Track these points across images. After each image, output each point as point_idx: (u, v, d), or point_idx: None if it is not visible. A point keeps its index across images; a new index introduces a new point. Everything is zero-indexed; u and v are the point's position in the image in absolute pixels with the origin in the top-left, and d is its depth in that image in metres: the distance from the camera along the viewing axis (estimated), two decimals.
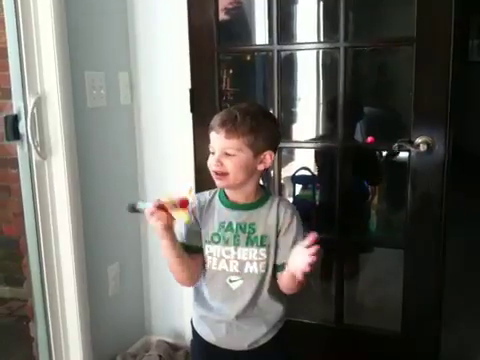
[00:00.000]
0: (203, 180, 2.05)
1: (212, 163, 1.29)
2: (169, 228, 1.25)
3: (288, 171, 2.86)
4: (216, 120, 1.30)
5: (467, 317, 2.50)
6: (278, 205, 1.35)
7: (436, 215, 1.84)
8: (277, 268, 1.34)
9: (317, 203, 2.76)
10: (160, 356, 2.09)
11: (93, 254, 1.94)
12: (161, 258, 2.19)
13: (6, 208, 2.43)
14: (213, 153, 1.30)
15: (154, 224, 1.23)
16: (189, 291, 2.15)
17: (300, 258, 1.18)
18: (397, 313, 1.98)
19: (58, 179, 1.80)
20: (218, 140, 1.28)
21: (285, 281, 1.32)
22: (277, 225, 1.33)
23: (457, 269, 2.77)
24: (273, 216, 1.33)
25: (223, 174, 1.28)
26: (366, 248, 2.42)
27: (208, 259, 1.35)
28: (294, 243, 1.30)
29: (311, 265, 1.16)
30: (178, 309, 2.22)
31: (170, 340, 2.24)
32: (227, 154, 1.27)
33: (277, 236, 1.33)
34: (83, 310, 1.89)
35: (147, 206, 1.24)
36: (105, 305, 2.05)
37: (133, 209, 1.29)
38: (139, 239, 2.24)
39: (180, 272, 1.34)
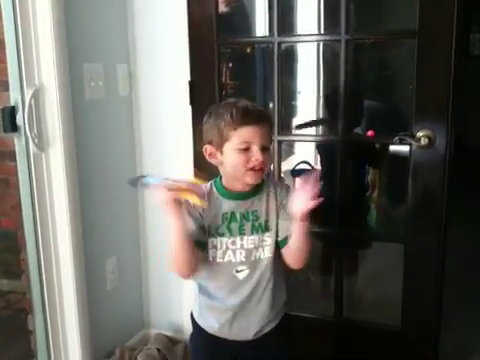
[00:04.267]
0: (201, 172, 2.05)
1: (256, 158, 1.25)
2: (180, 207, 1.21)
3: (288, 165, 2.85)
4: (248, 113, 1.26)
5: (467, 313, 2.50)
6: (275, 187, 1.37)
7: (436, 210, 1.84)
8: (280, 244, 1.34)
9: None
10: (159, 350, 2.08)
11: (91, 247, 1.94)
12: (160, 251, 2.20)
13: (4, 201, 2.42)
14: (245, 149, 1.25)
15: (167, 202, 1.18)
16: (188, 284, 2.15)
17: (299, 198, 1.21)
18: (397, 308, 1.97)
19: (56, 171, 1.79)
20: (260, 134, 1.25)
21: (292, 248, 1.31)
22: (276, 206, 1.34)
23: (457, 264, 2.77)
24: (272, 199, 1.35)
25: (262, 170, 1.28)
26: (366, 244, 2.42)
27: (211, 252, 1.33)
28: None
29: (312, 199, 1.19)
30: (177, 302, 2.22)
31: (169, 333, 2.24)
32: (264, 148, 1.27)
33: (277, 217, 1.34)
34: (81, 303, 1.89)
35: (154, 181, 1.20)
36: (103, 298, 2.04)
37: (135, 184, 1.24)
38: (137, 232, 2.23)
39: (184, 261, 1.27)
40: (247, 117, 1.25)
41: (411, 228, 1.90)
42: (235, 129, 1.25)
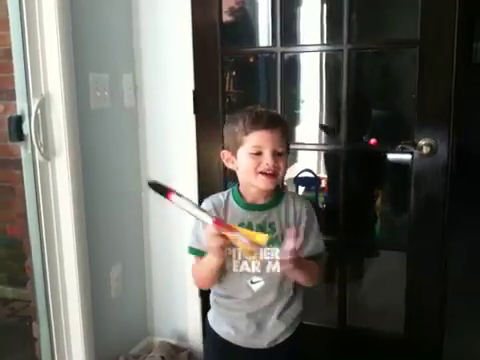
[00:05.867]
0: (206, 182, 2.07)
1: (266, 163, 1.25)
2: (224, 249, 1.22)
3: (291, 173, 2.86)
4: (259, 118, 1.27)
5: (470, 319, 2.50)
6: (294, 202, 1.35)
7: (439, 217, 1.84)
8: None
9: (320, 205, 2.75)
10: (163, 357, 2.08)
11: (96, 255, 1.95)
12: (164, 259, 2.22)
13: (10, 209, 2.44)
14: (257, 154, 1.26)
15: (215, 244, 1.19)
16: (192, 292, 2.16)
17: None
18: (400, 315, 1.97)
19: (61, 180, 1.80)
20: (271, 139, 1.26)
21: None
22: (295, 222, 1.33)
23: (460, 271, 2.76)
24: (291, 214, 1.34)
25: (274, 175, 1.27)
26: (371, 252, 2.42)
27: (227, 262, 1.31)
28: (308, 237, 1.32)
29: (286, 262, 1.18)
30: (181, 310, 2.22)
31: (173, 341, 2.24)
32: (277, 153, 1.27)
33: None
34: (86, 311, 1.89)
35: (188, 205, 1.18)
36: (108, 306, 2.05)
37: (158, 191, 1.20)
38: (142, 240, 2.24)
39: (210, 280, 1.33)
40: (258, 122, 1.26)
41: (414, 235, 1.91)
42: (247, 134, 1.27)
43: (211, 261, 1.25)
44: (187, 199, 1.18)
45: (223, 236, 1.17)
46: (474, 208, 3.99)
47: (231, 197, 1.36)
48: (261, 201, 1.33)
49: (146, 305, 2.30)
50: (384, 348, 2.02)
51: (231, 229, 1.17)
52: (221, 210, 1.33)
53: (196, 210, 1.19)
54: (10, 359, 2.20)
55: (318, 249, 1.36)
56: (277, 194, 1.35)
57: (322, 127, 2.94)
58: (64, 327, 1.90)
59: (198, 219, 1.21)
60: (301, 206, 1.35)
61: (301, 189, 2.89)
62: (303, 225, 1.33)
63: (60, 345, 1.91)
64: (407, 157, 1.86)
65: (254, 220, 1.31)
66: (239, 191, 1.36)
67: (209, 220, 1.17)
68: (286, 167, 1.31)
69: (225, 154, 1.34)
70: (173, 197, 1.18)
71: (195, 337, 2.18)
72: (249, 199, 1.34)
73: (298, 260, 1.19)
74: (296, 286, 1.37)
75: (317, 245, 1.36)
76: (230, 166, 1.35)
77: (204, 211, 1.20)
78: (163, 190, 1.19)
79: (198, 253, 1.33)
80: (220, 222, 1.18)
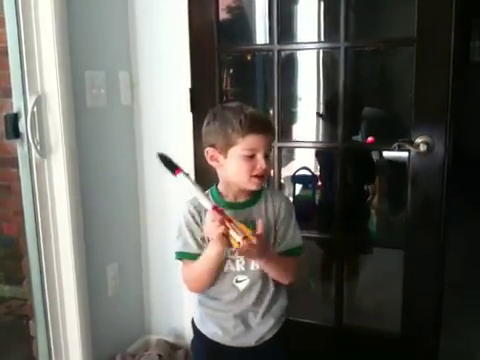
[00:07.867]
0: (203, 179, 2.06)
1: (260, 166, 1.26)
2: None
3: (288, 171, 2.87)
4: (256, 121, 1.27)
5: (467, 317, 2.50)
6: (272, 198, 1.37)
7: (436, 215, 1.84)
8: None
9: (317, 203, 2.76)
10: (160, 355, 2.08)
11: (93, 253, 1.94)
12: (160, 257, 2.21)
13: (6, 207, 2.43)
14: (251, 156, 1.27)
15: (218, 231, 1.20)
16: (189, 290, 2.15)
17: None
18: (397, 314, 1.98)
19: (58, 178, 1.80)
20: (264, 142, 1.27)
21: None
22: (274, 218, 1.35)
23: (457, 268, 2.77)
24: (270, 210, 1.35)
25: (264, 176, 1.29)
26: (366, 249, 2.42)
27: None
28: (286, 231, 1.35)
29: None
30: (178, 308, 2.22)
31: (170, 339, 2.24)
32: (267, 156, 1.29)
33: (275, 228, 1.35)
34: (83, 309, 1.89)
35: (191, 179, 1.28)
36: (105, 304, 2.05)
37: (168, 165, 1.31)
38: (139, 238, 2.24)
39: (206, 281, 1.31)
40: (256, 126, 1.26)
41: (411, 233, 1.91)
42: (243, 136, 1.26)
43: (212, 252, 1.24)
44: (193, 181, 1.28)
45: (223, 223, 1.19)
46: (472, 208, 4.01)
47: (210, 198, 1.35)
48: (241, 199, 1.34)
49: (143, 303, 2.30)
50: (381, 346, 2.02)
51: (228, 220, 1.20)
52: (202, 212, 1.32)
53: (200, 193, 1.26)
54: (7, 358, 2.19)
55: (295, 243, 1.37)
56: (255, 192, 1.35)
57: (319, 115, 2.94)
58: (61, 326, 1.90)
59: (199, 201, 1.27)
60: (280, 201, 1.37)
61: (298, 187, 2.90)
62: (281, 220, 1.35)
63: (57, 344, 1.91)
64: (404, 155, 1.86)
65: (236, 218, 1.30)
66: (218, 190, 1.36)
67: (208, 206, 1.23)
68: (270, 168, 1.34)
69: (209, 151, 1.32)
70: (180, 175, 1.28)
71: (192, 335, 2.17)
72: (229, 198, 1.34)
73: (262, 246, 1.21)
74: (279, 284, 1.38)
75: (294, 239, 1.36)
76: (214, 164, 1.34)
77: (206, 196, 1.27)
78: (171, 166, 1.30)
79: (188, 256, 1.32)
80: (219, 210, 1.22)
